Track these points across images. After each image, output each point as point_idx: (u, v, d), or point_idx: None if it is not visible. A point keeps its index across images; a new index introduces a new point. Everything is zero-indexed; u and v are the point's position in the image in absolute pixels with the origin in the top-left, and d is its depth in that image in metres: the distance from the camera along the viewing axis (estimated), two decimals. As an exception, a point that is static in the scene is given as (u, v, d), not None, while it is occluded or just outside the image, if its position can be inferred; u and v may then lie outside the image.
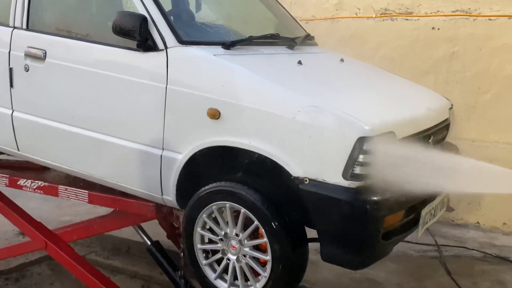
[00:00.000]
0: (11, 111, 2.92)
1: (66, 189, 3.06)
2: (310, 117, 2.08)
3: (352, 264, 2.14)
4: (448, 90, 4.97)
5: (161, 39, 2.38)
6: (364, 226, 2.04)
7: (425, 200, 2.42)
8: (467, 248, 4.40)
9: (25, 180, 3.24)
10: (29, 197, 4.67)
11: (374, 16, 5.36)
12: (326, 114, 2.07)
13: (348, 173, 2.03)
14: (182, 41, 2.38)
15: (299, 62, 2.55)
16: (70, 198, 3.06)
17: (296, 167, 2.11)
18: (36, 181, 3.19)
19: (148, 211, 2.73)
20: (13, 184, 3.30)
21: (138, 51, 2.42)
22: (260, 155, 2.17)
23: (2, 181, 3.35)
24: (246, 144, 2.19)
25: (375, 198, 2.04)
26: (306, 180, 2.09)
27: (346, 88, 2.47)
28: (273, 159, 2.14)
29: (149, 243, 3.17)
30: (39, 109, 2.81)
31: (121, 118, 2.52)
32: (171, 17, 2.54)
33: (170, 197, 2.47)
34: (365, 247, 2.08)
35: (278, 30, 3.15)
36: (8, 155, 3.31)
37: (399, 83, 2.97)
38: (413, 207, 2.31)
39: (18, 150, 3.02)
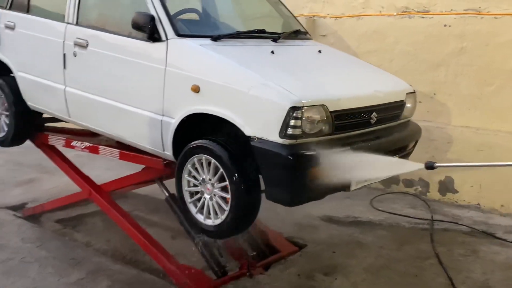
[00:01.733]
0: (64, 87, 3.87)
1: (104, 148, 3.99)
2: (259, 91, 2.81)
3: (285, 201, 2.85)
4: (457, 81, 5.44)
5: (164, 32, 3.20)
6: (292, 173, 2.74)
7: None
8: (457, 223, 4.88)
9: (76, 141, 4.20)
10: (94, 167, 5.72)
11: (395, 14, 5.89)
12: (271, 89, 2.79)
13: (282, 133, 2.74)
14: (179, 34, 3.19)
15: (272, 52, 3.27)
16: (107, 155, 3.98)
17: (249, 129, 2.85)
18: (84, 142, 4.14)
19: (159, 165, 3.58)
20: (68, 144, 4.28)
21: (148, 41, 3.24)
22: (226, 120, 2.94)
23: (60, 142, 4.35)
24: (216, 111, 2.96)
25: (304, 152, 2.74)
26: (255, 138, 2.83)
27: (302, 71, 3.17)
28: (234, 123, 2.90)
29: (166, 194, 4.01)
30: (82, 85, 3.74)
31: (135, 91, 3.38)
32: (174, 15, 3.33)
33: (168, 152, 3.29)
34: (293, 189, 2.78)
35: (280, 26, 3.89)
36: (63, 121, 4.30)
37: (364, 69, 3.61)
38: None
39: (69, 117, 3.98)
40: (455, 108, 5.50)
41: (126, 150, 3.81)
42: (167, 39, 3.19)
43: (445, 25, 5.50)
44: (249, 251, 4.06)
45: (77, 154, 4.62)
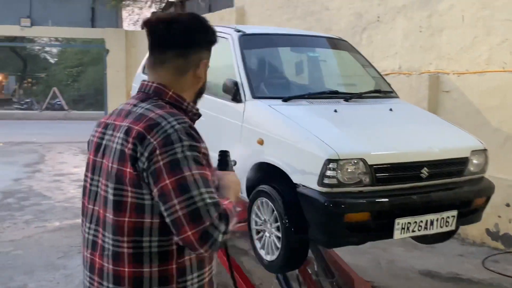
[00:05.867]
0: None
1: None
2: (304, 145, 3.27)
3: (323, 242, 3.21)
4: None
5: (244, 95, 3.85)
6: (327, 217, 3.10)
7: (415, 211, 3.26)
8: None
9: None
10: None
11: (516, 70, 5.76)
12: (313, 143, 3.23)
13: (320, 182, 3.13)
14: (255, 96, 3.81)
15: (335, 111, 3.69)
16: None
17: (296, 177, 3.30)
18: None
19: (244, 206, 4.16)
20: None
21: (233, 102, 3.92)
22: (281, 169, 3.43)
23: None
24: (274, 161, 3.47)
25: (337, 200, 3.09)
26: (300, 185, 3.26)
27: (355, 127, 3.53)
28: (286, 172, 3.37)
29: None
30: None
31: (222, 142, 4.04)
32: (255, 80, 3.96)
33: (244, 194, 3.86)
34: (329, 232, 3.13)
35: (367, 86, 4.30)
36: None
37: (431, 126, 3.81)
38: (385, 213, 3.21)
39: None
40: None
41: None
42: (245, 100, 3.83)
43: None
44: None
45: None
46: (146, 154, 1.50)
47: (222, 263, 4.50)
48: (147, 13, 16.81)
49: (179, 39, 1.62)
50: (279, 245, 3.43)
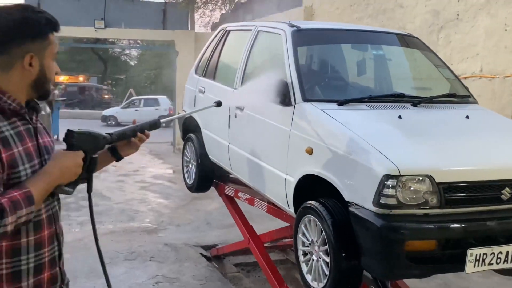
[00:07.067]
0: (228, 144, 4.35)
1: (257, 201, 4.31)
2: (358, 156, 2.77)
3: (378, 273, 2.69)
4: None
5: (294, 97, 3.40)
6: (383, 245, 2.59)
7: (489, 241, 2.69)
8: None
9: (241, 192, 4.63)
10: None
11: None
12: (369, 154, 2.73)
13: (376, 201, 2.63)
14: (306, 99, 3.35)
15: (399, 117, 3.15)
16: (259, 208, 4.29)
17: (347, 194, 2.81)
18: (246, 194, 4.54)
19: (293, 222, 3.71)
20: (236, 194, 4.73)
21: (281, 105, 3.48)
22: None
23: (231, 192, 4.83)
24: (323, 174, 3.00)
25: (395, 224, 2.58)
26: (352, 204, 2.77)
27: (422, 138, 2.98)
28: (336, 187, 2.89)
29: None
30: (238, 142, 4.15)
31: (269, 150, 3.63)
32: (307, 81, 3.50)
33: (291, 209, 3.41)
34: (386, 261, 2.61)
35: (441, 89, 3.74)
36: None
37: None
38: (456, 242, 2.66)
39: (232, 170, 4.43)
40: None
41: (273, 205, 4.05)
42: (295, 103, 3.38)
43: None
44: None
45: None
46: None
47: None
48: (218, 15, 16.74)
49: None
50: (327, 272, 2.96)
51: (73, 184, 1.70)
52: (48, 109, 8.69)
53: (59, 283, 1.78)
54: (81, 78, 36.28)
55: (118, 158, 1.97)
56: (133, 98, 25.86)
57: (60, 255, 1.80)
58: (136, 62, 43.05)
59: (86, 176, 1.76)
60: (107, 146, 1.87)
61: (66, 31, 15.53)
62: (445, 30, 7.00)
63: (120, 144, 1.94)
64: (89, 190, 1.82)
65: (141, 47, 31.17)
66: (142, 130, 1.95)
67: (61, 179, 1.65)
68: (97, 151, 1.79)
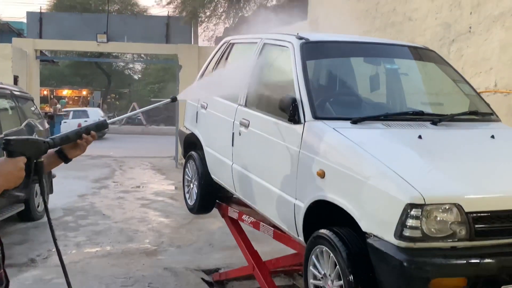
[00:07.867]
0: (231, 163, 4.06)
1: (263, 225, 4.01)
2: (377, 181, 2.49)
3: (400, 315, 2.38)
4: None
5: (303, 114, 3.12)
6: (406, 282, 2.29)
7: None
8: None
9: (246, 215, 4.33)
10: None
11: None
12: (390, 180, 2.44)
13: (398, 233, 2.34)
14: (316, 117, 3.07)
15: (419, 137, 2.87)
16: (265, 232, 3.98)
17: (365, 223, 2.52)
18: (251, 217, 4.24)
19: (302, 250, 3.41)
20: (239, 217, 4.44)
21: (290, 123, 3.20)
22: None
23: (235, 214, 4.54)
24: (336, 200, 2.71)
25: (420, 259, 2.28)
26: (371, 235, 2.48)
27: (446, 160, 2.69)
28: (352, 216, 2.60)
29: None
30: (242, 162, 3.87)
31: (276, 172, 3.34)
32: (318, 97, 3.23)
33: (301, 237, 3.12)
34: (410, 302, 2.31)
35: (460, 106, 3.46)
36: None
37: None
38: (488, 279, 2.36)
39: (235, 191, 4.14)
40: None
41: (280, 230, 3.76)
42: (304, 121, 3.10)
43: None
44: None
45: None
46: None
47: None
48: (221, 29, 16.57)
49: None
50: (341, 308, 2.66)
51: (24, 189, 1.79)
52: (46, 125, 8.42)
53: (4, 285, 1.84)
54: (84, 92, 36.17)
55: (66, 160, 2.05)
56: (64, 110, 25.35)
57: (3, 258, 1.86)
58: (139, 76, 43.11)
59: (35, 178, 1.87)
60: (52, 149, 1.97)
61: (68, 45, 15.39)
62: (457, 43, 6.74)
63: (66, 146, 2.02)
64: (43, 192, 2.02)
65: (145, 61, 31.11)
66: (88, 131, 2.03)
67: (7, 184, 1.71)
68: (40, 155, 1.86)
